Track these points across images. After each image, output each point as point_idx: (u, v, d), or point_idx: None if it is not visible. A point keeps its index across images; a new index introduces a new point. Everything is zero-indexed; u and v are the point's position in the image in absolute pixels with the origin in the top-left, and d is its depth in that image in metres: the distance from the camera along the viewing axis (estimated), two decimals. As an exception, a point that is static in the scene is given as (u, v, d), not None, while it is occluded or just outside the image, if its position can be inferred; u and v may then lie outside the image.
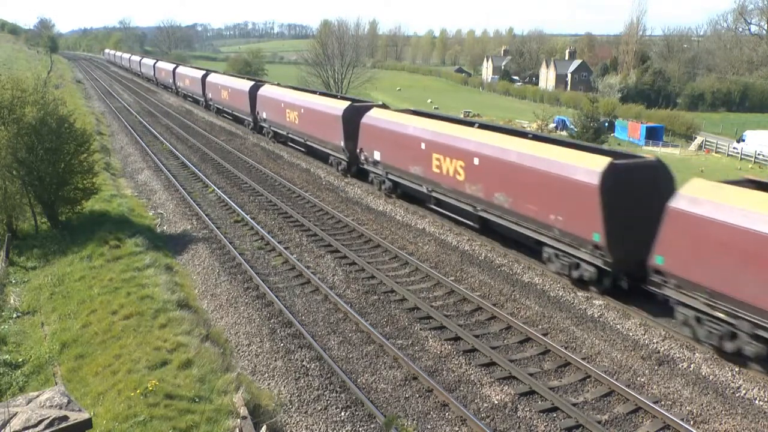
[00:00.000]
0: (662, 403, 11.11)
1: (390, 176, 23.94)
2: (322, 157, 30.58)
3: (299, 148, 33.65)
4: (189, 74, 59.18)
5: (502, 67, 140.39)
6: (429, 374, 11.85)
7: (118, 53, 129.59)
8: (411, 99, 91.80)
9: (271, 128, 37.17)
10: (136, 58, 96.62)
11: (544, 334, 13.51)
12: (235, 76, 51.82)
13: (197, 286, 16.56)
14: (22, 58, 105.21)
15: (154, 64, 79.97)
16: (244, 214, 22.10)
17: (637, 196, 14.39)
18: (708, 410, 10.94)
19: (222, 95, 46.89)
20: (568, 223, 15.39)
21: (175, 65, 69.50)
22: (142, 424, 9.59)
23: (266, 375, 12.04)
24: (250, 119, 40.54)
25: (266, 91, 38.03)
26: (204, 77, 52.31)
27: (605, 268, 14.72)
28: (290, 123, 33.38)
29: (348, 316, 14.34)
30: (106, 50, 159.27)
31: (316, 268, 17.32)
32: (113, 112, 54.02)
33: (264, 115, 37.86)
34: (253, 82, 41.71)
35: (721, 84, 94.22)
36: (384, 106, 27.84)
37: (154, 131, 42.03)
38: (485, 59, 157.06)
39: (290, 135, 34.06)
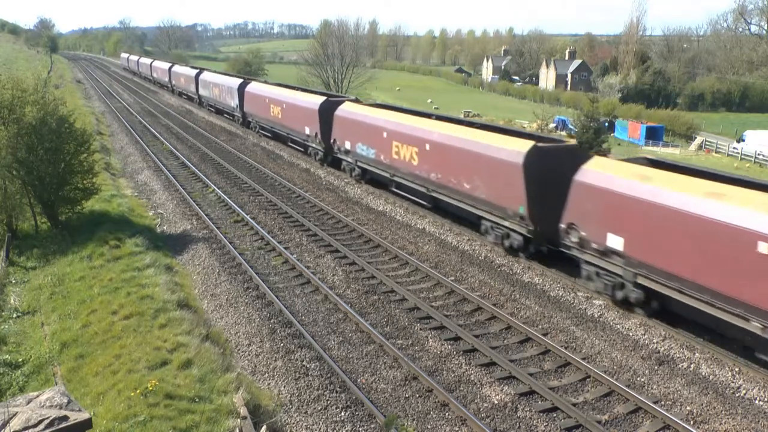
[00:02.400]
0: (662, 403, 11.11)
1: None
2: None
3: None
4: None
5: (502, 67, 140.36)
6: (429, 374, 11.85)
7: (142, 60, 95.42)
8: (410, 99, 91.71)
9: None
10: (186, 71, 63.48)
11: (544, 334, 13.52)
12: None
13: (197, 286, 16.56)
14: (22, 58, 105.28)
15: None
16: (244, 214, 22.10)
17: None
18: (708, 410, 10.94)
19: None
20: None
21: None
22: (142, 424, 9.59)
23: (266, 375, 12.04)
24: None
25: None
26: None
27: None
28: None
29: (348, 316, 14.34)
30: (124, 55, 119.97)
31: (316, 268, 17.32)
32: (113, 112, 54.03)
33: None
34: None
35: (721, 84, 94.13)
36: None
37: (154, 131, 42.03)
38: (485, 59, 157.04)
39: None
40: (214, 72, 56.40)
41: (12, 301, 15.71)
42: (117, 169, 31.29)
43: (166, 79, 68.82)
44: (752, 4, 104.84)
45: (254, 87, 39.98)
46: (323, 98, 29.85)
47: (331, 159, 29.18)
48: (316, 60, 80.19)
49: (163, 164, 31.24)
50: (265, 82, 43.13)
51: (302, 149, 32.89)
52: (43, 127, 19.83)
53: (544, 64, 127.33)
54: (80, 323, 13.57)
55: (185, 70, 61.92)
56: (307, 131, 30.56)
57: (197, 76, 54.27)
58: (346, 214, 22.35)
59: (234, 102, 42.81)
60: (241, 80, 43.41)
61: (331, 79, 78.21)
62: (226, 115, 47.21)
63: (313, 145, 30.46)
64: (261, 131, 38.94)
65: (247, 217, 21.73)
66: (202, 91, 53.00)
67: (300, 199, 24.84)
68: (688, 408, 11.00)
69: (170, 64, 71.45)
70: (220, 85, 46.85)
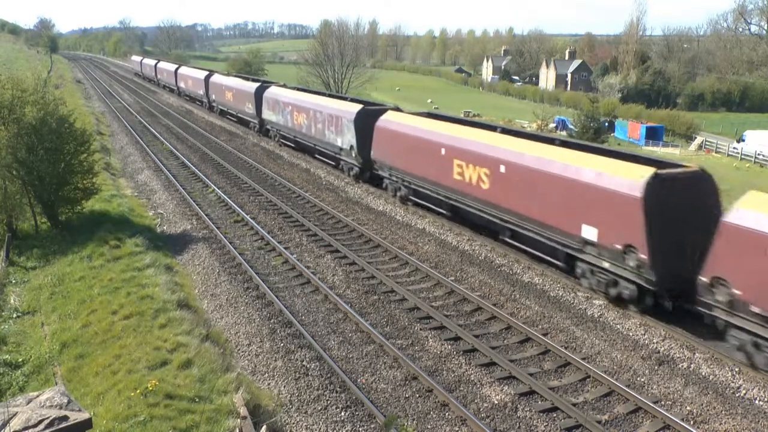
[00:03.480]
0: (662, 403, 11.11)
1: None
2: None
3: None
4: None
5: (502, 67, 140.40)
6: (429, 374, 11.85)
7: (162, 65, 76.70)
8: (410, 99, 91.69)
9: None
10: (239, 84, 44.39)
11: (544, 334, 13.51)
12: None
13: (197, 286, 16.56)
14: (22, 58, 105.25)
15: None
16: (244, 214, 22.10)
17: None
18: (708, 410, 10.94)
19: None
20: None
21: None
22: (142, 424, 9.59)
23: (266, 375, 12.04)
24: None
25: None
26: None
27: None
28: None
29: (348, 316, 14.34)
30: (135, 58, 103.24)
31: (316, 268, 17.31)
32: (113, 112, 54.03)
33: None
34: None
35: (721, 84, 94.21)
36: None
37: (153, 131, 42.03)
38: (485, 59, 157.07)
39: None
40: (284, 85, 39.48)
41: (12, 301, 15.72)
42: (117, 169, 31.29)
43: (201, 92, 53.16)
44: (752, 4, 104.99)
45: (400, 121, 23.12)
46: (648, 171, 13.58)
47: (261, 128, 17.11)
48: (316, 60, 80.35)
49: (163, 164, 31.24)
50: (399, 110, 25.55)
51: (561, 263, 16.27)
52: (43, 127, 19.84)
53: (544, 64, 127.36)
54: (80, 323, 13.57)
55: (235, 82, 44.64)
56: (588, 235, 14.78)
57: (259, 92, 37.89)
58: (346, 214, 22.34)
59: (343, 139, 26.89)
60: (359, 106, 26.76)
61: (331, 79, 78.36)
62: (319, 157, 31.10)
63: (602, 266, 14.82)
64: (413, 199, 22.67)
65: (247, 217, 21.73)
66: (268, 115, 37.00)
67: (300, 199, 24.84)
68: (688, 408, 11.00)
69: (207, 73, 53.18)
70: (310, 109, 30.37)
